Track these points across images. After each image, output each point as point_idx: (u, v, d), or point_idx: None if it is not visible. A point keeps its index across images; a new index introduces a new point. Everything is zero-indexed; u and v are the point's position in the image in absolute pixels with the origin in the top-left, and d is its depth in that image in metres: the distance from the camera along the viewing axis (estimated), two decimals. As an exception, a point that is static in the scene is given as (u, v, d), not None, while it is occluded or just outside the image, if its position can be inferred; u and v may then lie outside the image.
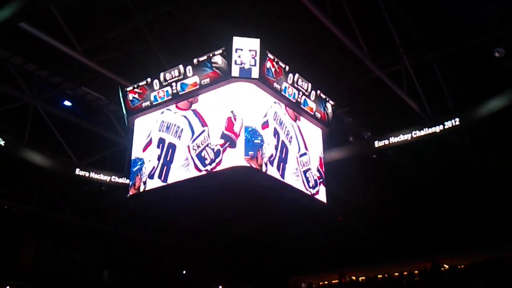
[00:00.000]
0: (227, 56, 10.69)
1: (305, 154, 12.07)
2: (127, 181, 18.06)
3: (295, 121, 11.96)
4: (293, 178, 11.45)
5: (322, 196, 12.37)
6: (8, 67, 15.81)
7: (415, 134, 15.35)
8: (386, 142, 15.99)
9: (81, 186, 18.61)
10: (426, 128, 15.09)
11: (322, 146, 13.08)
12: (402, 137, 15.61)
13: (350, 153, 16.88)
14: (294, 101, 11.78)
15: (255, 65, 10.67)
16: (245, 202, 12.05)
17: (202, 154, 10.88)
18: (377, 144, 16.18)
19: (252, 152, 10.35)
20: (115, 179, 18.16)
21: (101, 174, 17.96)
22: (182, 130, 11.50)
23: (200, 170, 10.76)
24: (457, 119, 14.57)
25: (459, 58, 14.96)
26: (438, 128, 14.87)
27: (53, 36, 12.61)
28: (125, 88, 12.45)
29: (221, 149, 10.55)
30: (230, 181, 10.60)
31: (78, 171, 17.54)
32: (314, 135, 12.66)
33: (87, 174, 17.70)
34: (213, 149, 10.68)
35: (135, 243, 26.43)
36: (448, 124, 14.66)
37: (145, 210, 12.90)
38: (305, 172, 11.88)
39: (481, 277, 16.37)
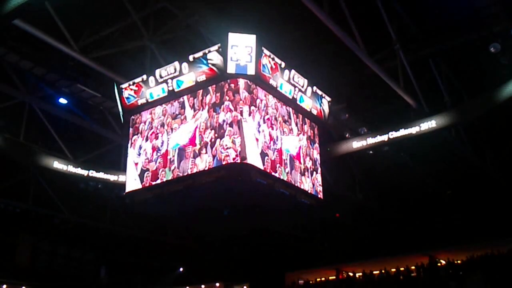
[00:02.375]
0: (223, 52, 10.66)
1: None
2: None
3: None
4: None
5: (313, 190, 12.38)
6: (3, 64, 15.71)
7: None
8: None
9: (77, 184, 18.56)
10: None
11: (317, 143, 13.09)
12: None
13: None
14: (290, 97, 11.76)
15: (251, 61, 10.64)
16: (241, 198, 12.03)
17: None
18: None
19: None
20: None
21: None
22: None
23: None
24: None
25: (455, 53, 14.95)
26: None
27: (48, 34, 12.53)
28: (121, 85, 12.42)
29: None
30: (226, 178, 10.60)
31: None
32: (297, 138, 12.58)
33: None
34: None
35: (132, 240, 26.39)
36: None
37: (140, 208, 12.87)
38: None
39: (478, 271, 16.38)
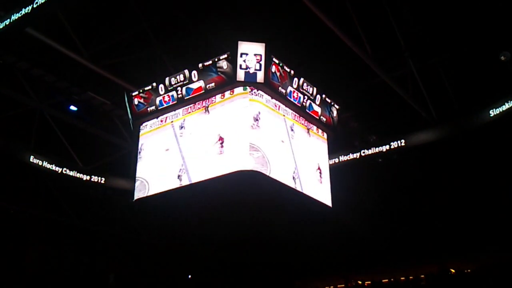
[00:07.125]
0: (232, 60, 10.70)
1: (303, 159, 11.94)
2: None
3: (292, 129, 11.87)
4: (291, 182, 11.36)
5: (322, 198, 12.30)
6: (14, 72, 15.86)
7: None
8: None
9: (87, 190, 18.66)
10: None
11: (326, 150, 13.07)
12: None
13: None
14: (299, 105, 11.77)
15: (260, 69, 10.67)
16: (250, 205, 12.05)
17: None
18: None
19: None
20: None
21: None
22: None
23: None
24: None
25: (465, 61, 14.91)
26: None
27: (59, 41, 12.66)
28: (131, 92, 12.50)
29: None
30: (235, 185, 10.61)
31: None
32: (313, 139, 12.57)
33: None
34: None
35: (140, 246, 26.44)
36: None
37: (150, 215, 12.92)
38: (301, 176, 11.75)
39: (490, 279, 16.30)
